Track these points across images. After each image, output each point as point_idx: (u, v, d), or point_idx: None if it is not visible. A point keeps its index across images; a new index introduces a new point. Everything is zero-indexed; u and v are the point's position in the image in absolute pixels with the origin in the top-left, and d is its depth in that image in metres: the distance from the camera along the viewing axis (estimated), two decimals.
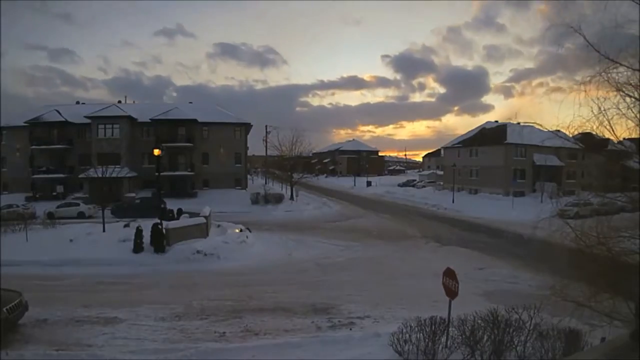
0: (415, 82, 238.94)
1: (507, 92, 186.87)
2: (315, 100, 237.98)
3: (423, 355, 6.91)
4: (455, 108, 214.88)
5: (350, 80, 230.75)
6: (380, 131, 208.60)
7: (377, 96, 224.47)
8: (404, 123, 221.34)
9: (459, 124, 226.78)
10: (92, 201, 27.23)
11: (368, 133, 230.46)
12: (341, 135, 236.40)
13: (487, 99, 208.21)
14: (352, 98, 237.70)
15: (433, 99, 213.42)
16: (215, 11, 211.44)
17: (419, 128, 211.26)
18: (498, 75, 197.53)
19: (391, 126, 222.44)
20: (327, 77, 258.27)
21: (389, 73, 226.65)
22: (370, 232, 23.35)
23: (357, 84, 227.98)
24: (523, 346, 6.70)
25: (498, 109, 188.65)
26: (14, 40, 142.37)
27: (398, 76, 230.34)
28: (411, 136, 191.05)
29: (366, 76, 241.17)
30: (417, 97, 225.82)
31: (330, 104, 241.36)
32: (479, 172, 40.87)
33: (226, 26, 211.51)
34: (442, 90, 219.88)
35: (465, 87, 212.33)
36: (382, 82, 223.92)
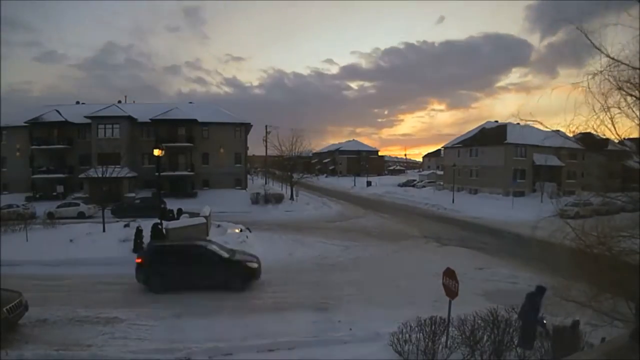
0: None
1: None
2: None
3: (423, 355, 6.91)
4: (546, 42, 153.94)
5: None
6: (386, 117, 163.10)
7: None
8: (432, 102, 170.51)
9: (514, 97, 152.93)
10: (92, 201, 27.24)
11: (362, 132, 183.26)
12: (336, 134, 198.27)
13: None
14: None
15: (513, 32, 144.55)
16: None
17: (449, 119, 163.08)
18: None
19: (401, 108, 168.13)
20: None
21: None
22: (370, 232, 23.34)
23: None
24: None
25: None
26: None
27: None
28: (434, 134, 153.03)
29: None
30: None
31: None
32: (479, 172, 40.86)
33: None
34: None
35: None
36: None
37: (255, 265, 12.93)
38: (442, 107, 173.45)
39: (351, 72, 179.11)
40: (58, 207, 27.70)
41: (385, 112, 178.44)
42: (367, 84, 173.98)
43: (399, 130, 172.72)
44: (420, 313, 7.73)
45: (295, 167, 41.49)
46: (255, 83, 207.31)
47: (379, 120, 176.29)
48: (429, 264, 15.44)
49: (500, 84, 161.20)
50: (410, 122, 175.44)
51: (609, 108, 4.94)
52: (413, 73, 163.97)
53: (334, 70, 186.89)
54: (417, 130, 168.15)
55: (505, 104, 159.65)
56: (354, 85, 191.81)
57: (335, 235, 22.08)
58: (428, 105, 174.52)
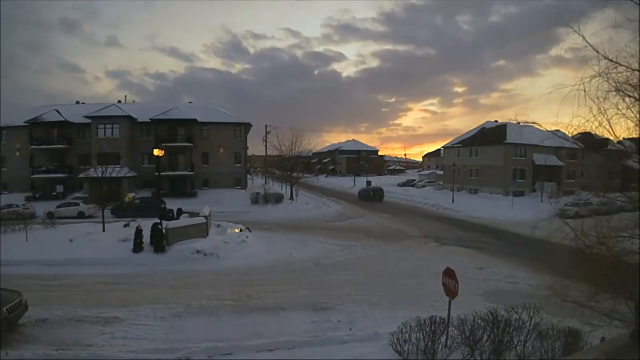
0: None
1: None
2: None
3: (423, 355, 6.92)
4: None
5: None
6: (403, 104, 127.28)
7: None
8: (451, 84, 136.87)
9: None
10: (92, 201, 27.22)
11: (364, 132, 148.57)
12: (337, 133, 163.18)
13: None
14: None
15: None
16: None
17: (462, 108, 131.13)
18: None
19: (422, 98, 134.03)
20: None
21: None
22: (370, 232, 23.33)
23: None
24: (523, 346, 6.70)
25: None
26: None
27: None
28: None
29: None
30: None
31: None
32: (479, 172, 40.86)
33: None
34: None
35: None
36: None
37: None
38: (462, 89, 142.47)
39: (341, 28, 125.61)
40: (58, 207, 27.68)
41: (393, 100, 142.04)
42: (367, 48, 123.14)
43: (403, 122, 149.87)
44: (420, 313, 7.74)
45: (295, 167, 41.46)
46: (200, 48, 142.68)
47: (384, 110, 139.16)
48: (428, 263, 15.45)
49: (558, 50, 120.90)
50: (418, 114, 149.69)
51: (607, 109, 4.95)
52: (438, 26, 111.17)
53: (313, 27, 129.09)
54: (424, 123, 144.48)
55: (544, 84, 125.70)
56: (347, 52, 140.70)
57: (335, 235, 22.07)
58: (445, 87, 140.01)
